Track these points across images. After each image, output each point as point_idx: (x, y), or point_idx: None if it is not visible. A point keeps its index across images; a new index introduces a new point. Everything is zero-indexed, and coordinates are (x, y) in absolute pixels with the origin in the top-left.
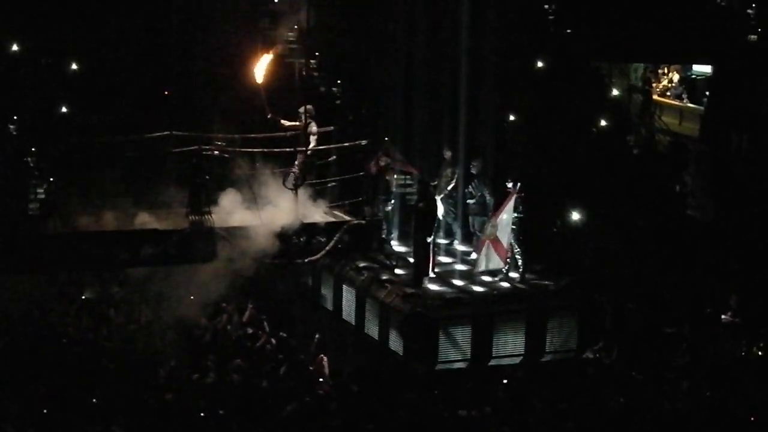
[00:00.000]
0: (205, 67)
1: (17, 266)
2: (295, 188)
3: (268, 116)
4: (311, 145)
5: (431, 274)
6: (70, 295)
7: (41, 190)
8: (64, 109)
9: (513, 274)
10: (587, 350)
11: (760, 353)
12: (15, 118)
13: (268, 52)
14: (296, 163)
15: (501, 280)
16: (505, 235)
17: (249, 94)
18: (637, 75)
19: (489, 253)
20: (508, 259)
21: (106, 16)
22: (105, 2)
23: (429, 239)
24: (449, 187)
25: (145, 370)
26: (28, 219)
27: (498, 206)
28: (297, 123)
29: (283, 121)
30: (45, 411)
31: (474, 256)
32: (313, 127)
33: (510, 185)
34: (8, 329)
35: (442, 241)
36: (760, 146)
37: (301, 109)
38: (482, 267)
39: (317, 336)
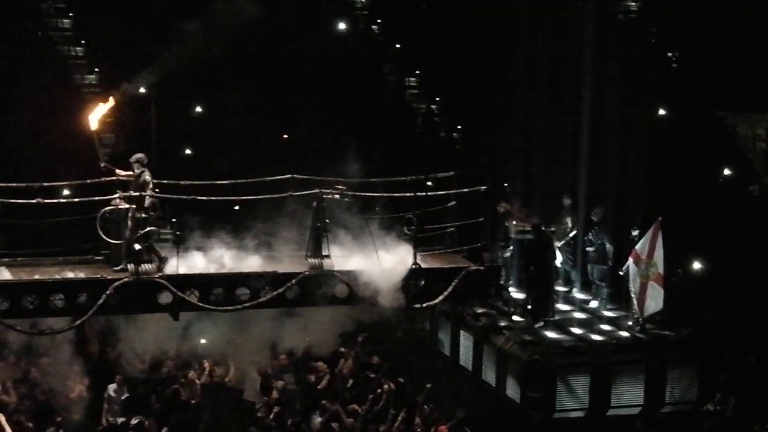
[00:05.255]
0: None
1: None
2: (414, 233)
3: (101, 165)
4: (147, 194)
5: (549, 317)
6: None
7: (167, 231)
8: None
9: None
10: (708, 402)
11: None
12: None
13: (105, 101)
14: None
15: (625, 328)
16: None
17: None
18: (762, 124)
19: (654, 294)
20: None
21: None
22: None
23: (543, 280)
24: (570, 235)
25: (252, 412)
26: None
27: (650, 247)
28: (131, 173)
29: (118, 171)
30: None
31: (635, 303)
32: (146, 176)
33: (634, 231)
34: None
35: (561, 288)
36: None
37: (133, 158)
38: (651, 311)
39: (427, 384)
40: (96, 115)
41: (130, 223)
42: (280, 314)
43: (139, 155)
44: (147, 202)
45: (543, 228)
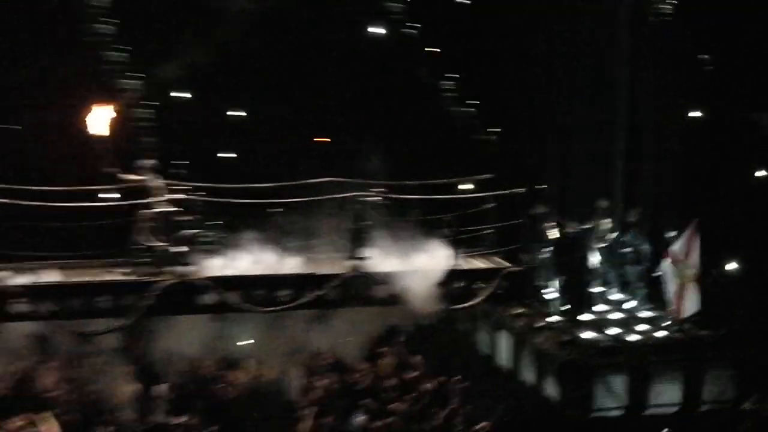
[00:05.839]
0: None
1: None
2: (452, 235)
3: (106, 170)
4: (160, 199)
5: (586, 316)
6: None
7: (211, 234)
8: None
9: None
10: (745, 401)
11: None
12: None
13: (106, 104)
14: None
15: (662, 327)
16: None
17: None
18: None
19: (692, 295)
20: None
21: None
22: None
23: (577, 277)
24: (608, 237)
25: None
26: None
27: (686, 248)
28: (138, 177)
29: (123, 176)
30: None
31: (672, 303)
32: (157, 181)
33: (670, 233)
34: None
35: (598, 289)
36: None
37: (140, 163)
38: (689, 311)
39: (467, 383)
40: (99, 120)
41: (170, 226)
42: (321, 314)
43: (150, 161)
44: (160, 206)
45: (571, 228)
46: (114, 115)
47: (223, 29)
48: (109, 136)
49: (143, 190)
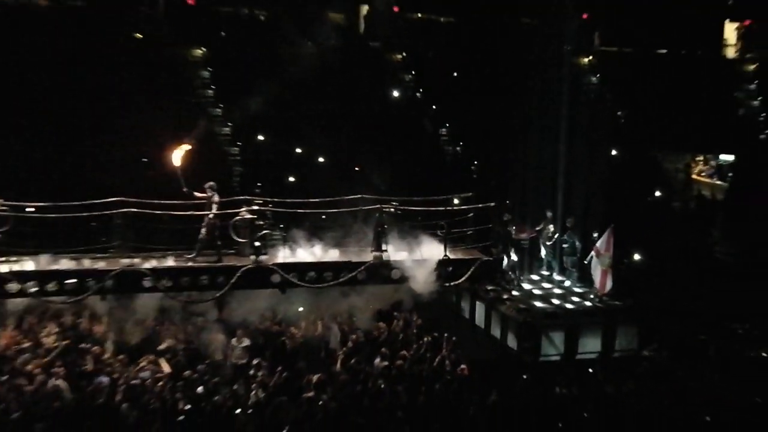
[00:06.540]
0: None
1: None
2: (444, 235)
3: (184, 190)
4: (213, 211)
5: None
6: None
7: (277, 233)
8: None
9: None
10: (644, 350)
11: (763, 354)
12: (259, 184)
13: (185, 144)
14: (203, 225)
15: (588, 299)
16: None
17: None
18: (682, 160)
19: (609, 277)
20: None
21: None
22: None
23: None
24: (554, 237)
25: (335, 356)
26: None
27: (606, 245)
28: (204, 195)
29: (195, 193)
30: None
31: (597, 282)
32: (215, 197)
33: (595, 234)
34: None
35: (545, 273)
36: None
37: (207, 185)
38: (607, 289)
39: (453, 338)
40: (179, 154)
41: (249, 228)
42: (352, 290)
43: (211, 183)
44: (212, 215)
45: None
46: (189, 150)
47: (289, 88)
48: (185, 166)
49: (208, 204)
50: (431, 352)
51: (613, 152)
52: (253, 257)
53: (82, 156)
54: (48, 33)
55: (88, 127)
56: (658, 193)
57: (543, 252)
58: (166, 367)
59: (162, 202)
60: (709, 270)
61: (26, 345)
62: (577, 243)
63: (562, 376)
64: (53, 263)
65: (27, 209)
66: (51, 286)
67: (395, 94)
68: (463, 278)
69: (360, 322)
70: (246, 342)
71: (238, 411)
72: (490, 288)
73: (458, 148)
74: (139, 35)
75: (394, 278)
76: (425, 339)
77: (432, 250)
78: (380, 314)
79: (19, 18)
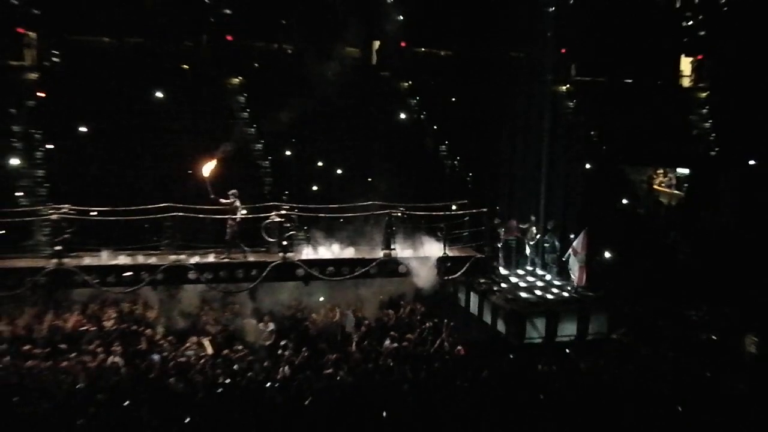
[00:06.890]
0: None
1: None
2: (443, 236)
3: (211, 197)
4: (238, 215)
5: (522, 284)
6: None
7: (301, 234)
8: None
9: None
10: (613, 334)
11: (713, 337)
12: (286, 192)
13: (213, 158)
14: (228, 228)
15: (566, 291)
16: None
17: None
18: (645, 173)
19: (584, 273)
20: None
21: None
22: None
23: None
24: (536, 237)
25: (351, 339)
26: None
27: (581, 245)
28: (228, 201)
29: (221, 200)
30: None
31: (574, 277)
32: (237, 203)
33: (572, 236)
34: None
35: (529, 268)
36: (724, 216)
37: (230, 192)
38: (582, 282)
39: (451, 323)
40: (208, 167)
41: (278, 229)
42: (364, 283)
43: (233, 190)
44: (239, 218)
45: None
46: (218, 164)
47: (312, 111)
48: (215, 177)
49: (231, 208)
50: (432, 335)
51: (587, 166)
52: (281, 254)
53: (138, 168)
54: (111, 66)
55: (142, 144)
56: (625, 201)
57: (528, 251)
58: (209, 348)
59: (203, 207)
60: (669, 266)
61: (90, 328)
62: (557, 243)
63: (543, 356)
64: (113, 259)
65: (91, 213)
66: (111, 278)
67: (402, 116)
68: (460, 273)
69: (371, 310)
70: (272, 326)
71: (269, 384)
72: (482, 281)
73: (455, 162)
74: (185, 66)
75: (401, 272)
76: (427, 324)
77: (433, 249)
78: (389, 303)
79: (89, 54)
